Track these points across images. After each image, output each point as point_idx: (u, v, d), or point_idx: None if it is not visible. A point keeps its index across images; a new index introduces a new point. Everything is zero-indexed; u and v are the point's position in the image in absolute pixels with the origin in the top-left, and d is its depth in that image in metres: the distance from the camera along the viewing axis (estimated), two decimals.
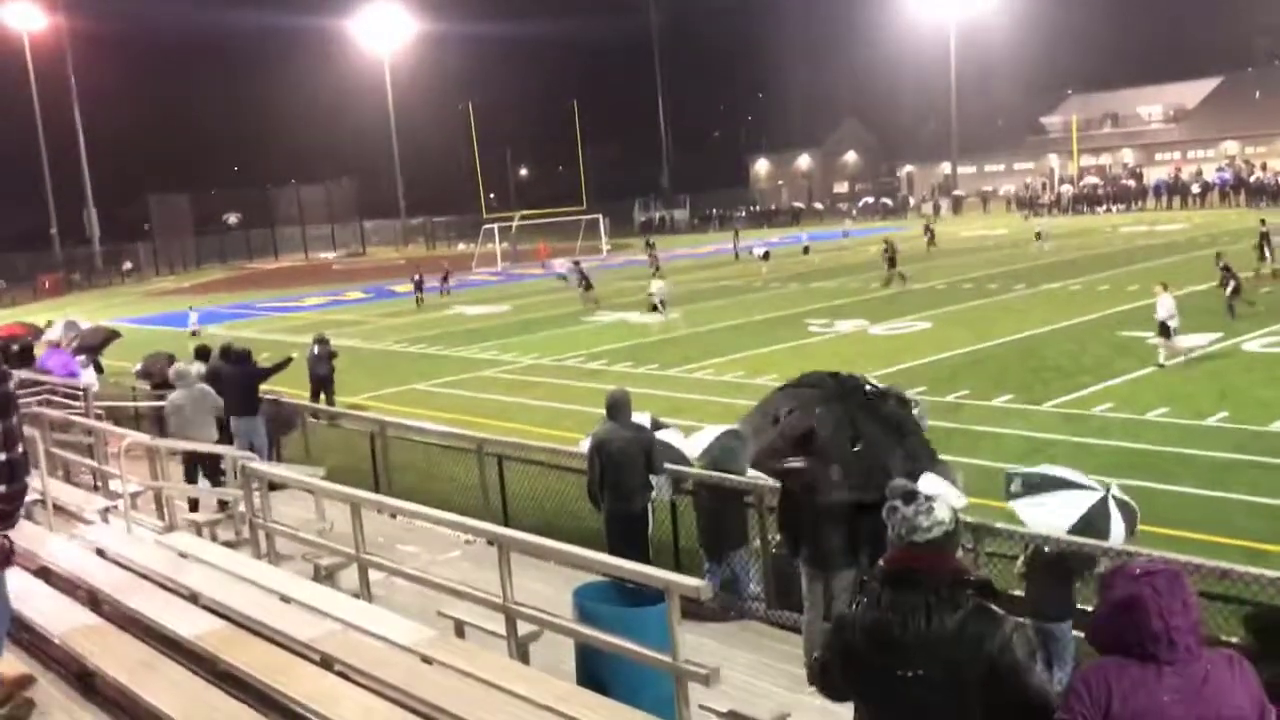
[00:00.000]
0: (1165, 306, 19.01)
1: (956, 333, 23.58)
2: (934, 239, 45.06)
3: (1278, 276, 27.92)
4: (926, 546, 3.39)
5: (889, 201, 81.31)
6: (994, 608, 3.37)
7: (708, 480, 8.84)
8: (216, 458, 11.39)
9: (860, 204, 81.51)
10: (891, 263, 32.98)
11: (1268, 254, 28.55)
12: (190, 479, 11.54)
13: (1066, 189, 68.76)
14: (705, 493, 8.91)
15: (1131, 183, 68.18)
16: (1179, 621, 3.03)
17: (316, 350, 18.92)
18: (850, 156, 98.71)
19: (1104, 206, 64.66)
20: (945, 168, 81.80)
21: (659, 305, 30.27)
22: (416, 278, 40.04)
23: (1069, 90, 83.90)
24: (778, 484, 7.50)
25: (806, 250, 47.31)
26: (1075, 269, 33.58)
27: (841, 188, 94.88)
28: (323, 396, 18.71)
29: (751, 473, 8.83)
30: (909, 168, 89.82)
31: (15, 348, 17.01)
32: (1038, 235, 43.28)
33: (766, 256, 41.60)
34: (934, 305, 28.18)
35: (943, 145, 79.82)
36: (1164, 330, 18.99)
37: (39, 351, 18.24)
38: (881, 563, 3.48)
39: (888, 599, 3.36)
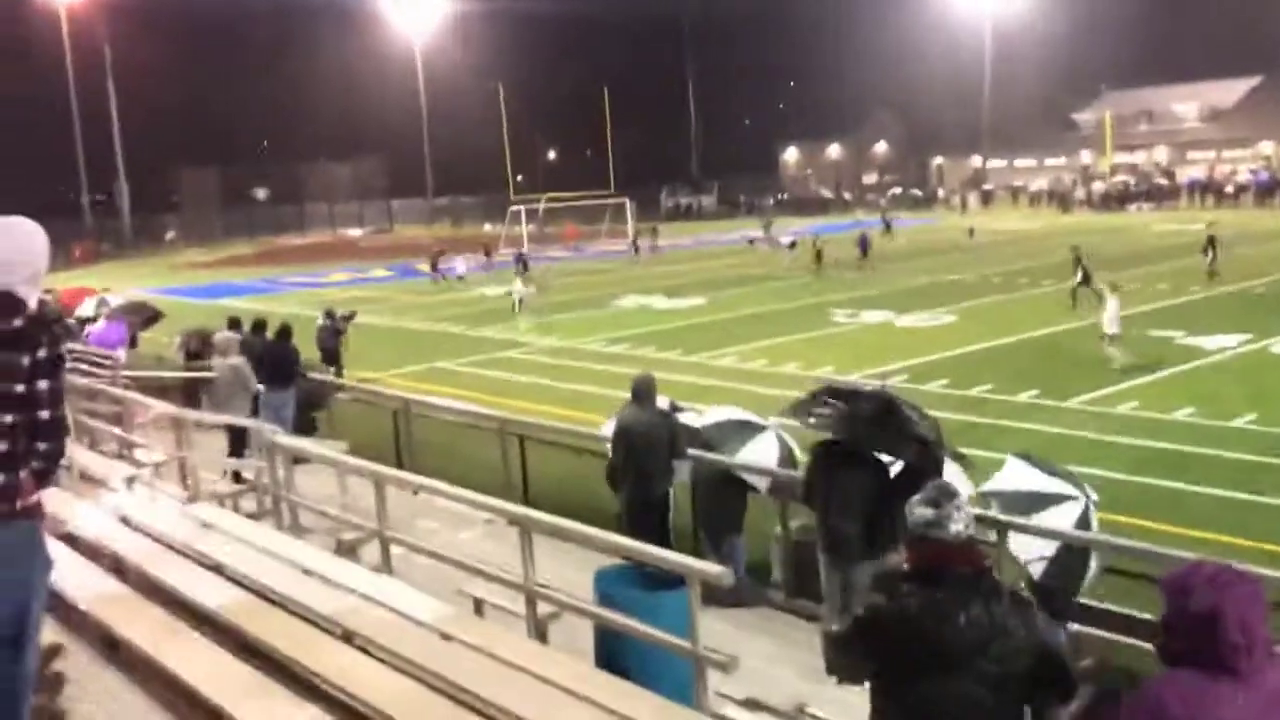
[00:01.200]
0: (1111, 311, 18.77)
1: (982, 327, 23.45)
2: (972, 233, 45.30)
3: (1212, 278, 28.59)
4: (958, 543, 3.38)
5: (918, 193, 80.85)
6: (1029, 597, 3.38)
7: (712, 465, 8.85)
8: (243, 430, 11.49)
9: (889, 195, 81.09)
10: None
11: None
12: (235, 453, 11.69)
13: (1098, 185, 68.17)
14: (705, 477, 8.92)
15: (1164, 181, 67.52)
16: (1258, 633, 2.88)
17: (324, 323, 19.04)
18: (880, 147, 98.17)
19: (1136, 204, 64.07)
20: (976, 161, 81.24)
21: (517, 305, 30.15)
22: (437, 251, 40.32)
23: (1103, 86, 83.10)
24: (796, 472, 7.52)
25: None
26: (1105, 266, 33.27)
27: (871, 178, 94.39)
28: (330, 370, 18.83)
29: (769, 460, 8.84)
30: (939, 160, 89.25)
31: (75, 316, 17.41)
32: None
33: (794, 246, 41.49)
34: (961, 299, 28.03)
35: (974, 138, 79.27)
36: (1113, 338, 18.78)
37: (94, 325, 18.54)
38: (906, 559, 3.47)
39: (924, 595, 3.35)
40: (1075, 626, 6.84)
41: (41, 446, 3.75)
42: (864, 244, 37.75)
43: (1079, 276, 25.50)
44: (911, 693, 3.39)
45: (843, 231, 46.63)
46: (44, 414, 3.73)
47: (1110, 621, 6.90)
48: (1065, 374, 18.23)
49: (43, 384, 3.71)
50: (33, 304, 3.82)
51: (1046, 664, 3.32)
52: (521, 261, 38.27)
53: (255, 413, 12.50)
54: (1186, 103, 77.12)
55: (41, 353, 3.70)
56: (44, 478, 3.84)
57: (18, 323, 3.69)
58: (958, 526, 3.39)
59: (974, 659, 3.27)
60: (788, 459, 8.94)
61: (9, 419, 3.67)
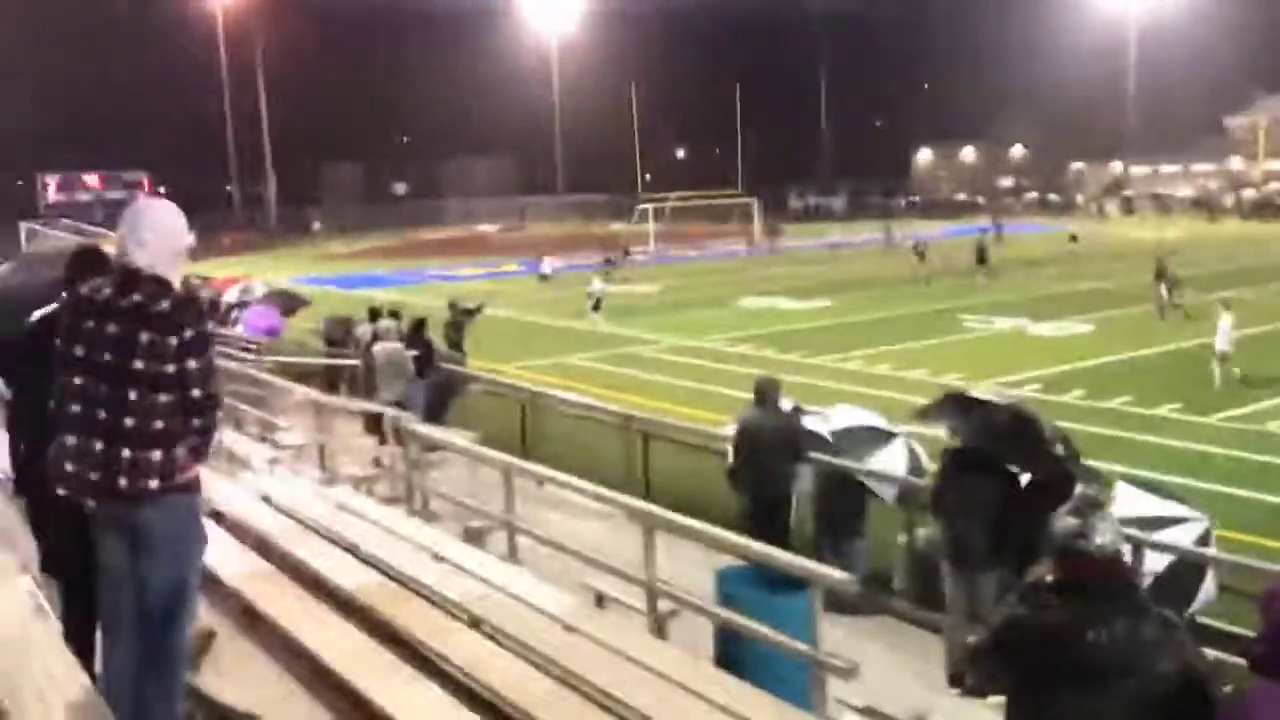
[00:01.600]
0: (1223, 331, 17.95)
1: (1121, 337, 22.66)
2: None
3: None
4: (1104, 557, 3.30)
5: (1055, 198, 78.48)
6: (1173, 616, 3.28)
7: (836, 469, 8.76)
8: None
9: (1025, 199, 78.89)
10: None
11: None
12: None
13: (1249, 193, 65.11)
14: (827, 481, 8.83)
15: None
16: None
17: (450, 316, 19.44)
18: (1017, 150, 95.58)
19: None
20: (1117, 166, 78.46)
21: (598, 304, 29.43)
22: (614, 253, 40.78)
23: (1257, 90, 79.27)
24: (922, 479, 7.42)
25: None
26: (1251, 277, 31.82)
27: (1006, 181, 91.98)
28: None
29: (897, 469, 8.74)
30: (1079, 164, 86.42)
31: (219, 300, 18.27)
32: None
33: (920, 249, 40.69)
34: (1099, 308, 27.13)
35: (1116, 142, 76.56)
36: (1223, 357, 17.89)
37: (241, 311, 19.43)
38: (1050, 571, 3.39)
39: (1067, 608, 3.28)
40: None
41: (195, 423, 3.85)
42: (981, 251, 35.98)
43: (1163, 290, 25.36)
44: (1048, 708, 3.32)
45: (964, 236, 45.48)
46: (196, 392, 3.82)
47: (1223, 642, 6.64)
48: (1207, 388, 17.50)
49: (192, 363, 3.79)
50: (176, 284, 3.93)
51: (1191, 690, 3.20)
52: (610, 262, 38.22)
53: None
54: None
55: (189, 332, 3.78)
56: (199, 454, 3.97)
57: (165, 304, 3.78)
58: (1104, 539, 3.30)
59: (1116, 677, 3.18)
60: (916, 468, 8.81)
61: (163, 398, 3.77)
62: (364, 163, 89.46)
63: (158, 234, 3.90)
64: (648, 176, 78.31)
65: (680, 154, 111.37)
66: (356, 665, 5.07)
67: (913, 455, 8.93)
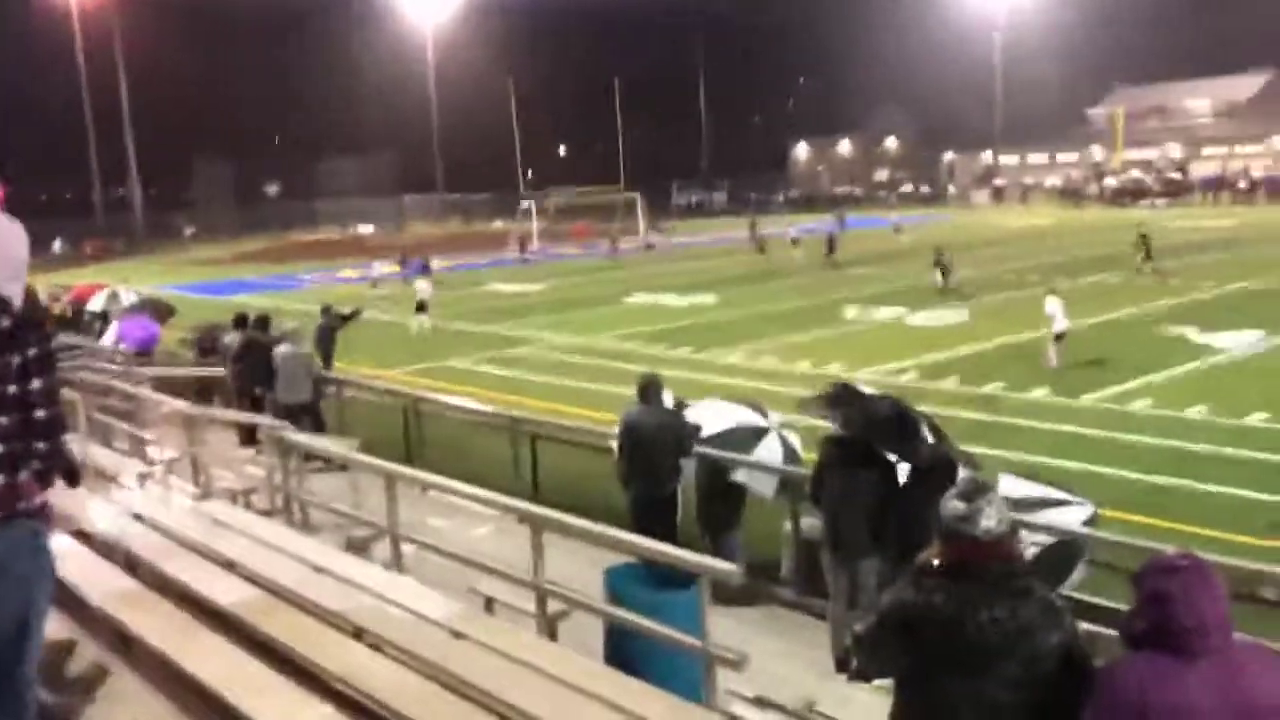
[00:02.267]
0: (1055, 312, 18.80)
1: (995, 323, 23.39)
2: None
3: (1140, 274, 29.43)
4: (990, 541, 3.35)
5: (927, 189, 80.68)
6: (1055, 597, 3.36)
7: (713, 462, 8.83)
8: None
9: (900, 191, 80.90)
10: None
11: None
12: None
13: (1110, 181, 67.95)
14: (705, 474, 8.91)
15: (1177, 177, 67.24)
16: (1209, 615, 3.04)
17: (321, 321, 19.03)
18: (891, 143, 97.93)
19: (1148, 200, 63.82)
20: (987, 156, 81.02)
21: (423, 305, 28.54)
22: (400, 258, 39.23)
23: (1116, 81, 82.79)
24: (804, 470, 7.53)
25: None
26: (1116, 263, 33.18)
27: (882, 174, 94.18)
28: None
29: (772, 457, 8.83)
30: (950, 155, 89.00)
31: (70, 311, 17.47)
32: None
33: (796, 243, 41.69)
34: (974, 295, 27.96)
35: (986, 134, 79.05)
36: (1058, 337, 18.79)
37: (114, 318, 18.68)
38: (936, 554, 3.44)
39: (954, 591, 3.33)
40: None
41: (40, 446, 3.69)
42: (831, 243, 38.49)
43: (939, 276, 28.79)
44: (935, 690, 3.37)
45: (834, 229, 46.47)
46: (40, 413, 3.67)
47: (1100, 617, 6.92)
48: (1078, 372, 18.18)
49: (36, 383, 3.65)
50: (18, 302, 3.75)
51: (1074, 670, 3.28)
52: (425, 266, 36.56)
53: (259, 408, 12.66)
54: (1199, 98, 76.82)
55: (32, 351, 3.64)
56: (44, 478, 3.78)
57: (5, 323, 3.63)
58: (989, 523, 3.35)
59: (999, 658, 3.25)
60: (792, 459, 8.92)
61: (4, 420, 3.62)
62: (235, 164, 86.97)
63: None
64: (530, 174, 77.96)
65: (562, 151, 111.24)
66: (236, 684, 4.92)
67: (787, 448, 9.03)
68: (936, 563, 3.44)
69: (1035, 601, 3.31)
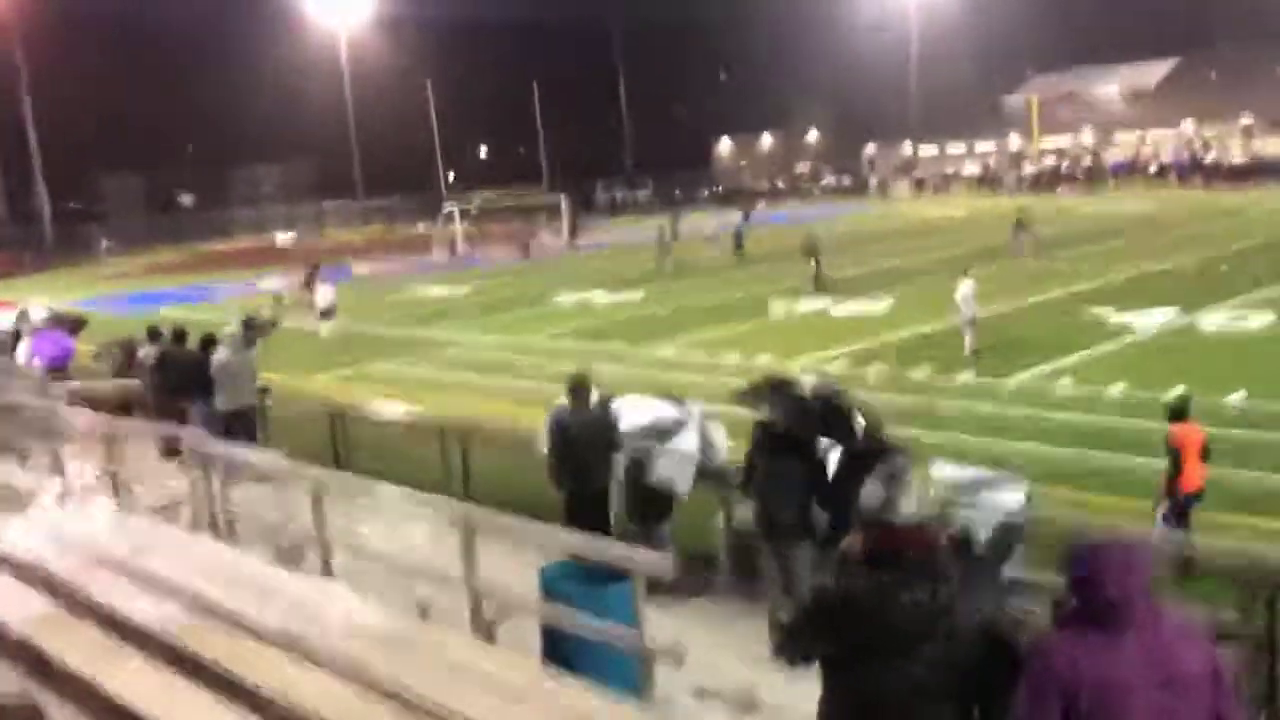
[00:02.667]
0: (965, 297, 19.12)
1: (919, 311, 23.72)
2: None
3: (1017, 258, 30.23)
4: (908, 527, 3.38)
5: (848, 180, 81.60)
6: (970, 578, 3.40)
7: (634, 457, 8.80)
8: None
9: (822, 184, 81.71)
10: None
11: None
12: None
13: (1028, 169, 69.26)
14: (634, 465, 8.87)
15: (1090, 162, 68.75)
16: (1133, 588, 3.14)
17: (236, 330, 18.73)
18: (813, 136, 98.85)
19: (1064, 187, 65.18)
20: (907, 147, 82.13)
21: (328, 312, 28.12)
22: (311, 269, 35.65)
23: (1029, 69, 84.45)
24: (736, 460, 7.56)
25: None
26: (1035, 248, 33.86)
27: (804, 167, 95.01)
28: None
29: (687, 451, 8.82)
30: (871, 148, 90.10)
31: None
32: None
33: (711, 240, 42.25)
34: (897, 284, 28.33)
35: (904, 125, 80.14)
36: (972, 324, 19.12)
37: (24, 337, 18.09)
38: (857, 541, 3.47)
39: (873, 577, 3.35)
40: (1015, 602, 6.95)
41: None
42: (738, 239, 38.83)
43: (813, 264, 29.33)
44: (859, 676, 3.40)
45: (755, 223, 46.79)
46: None
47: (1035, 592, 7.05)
48: (1002, 355, 18.51)
49: None
50: None
51: (995, 648, 3.33)
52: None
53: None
54: (1109, 84, 78.61)
55: None
56: None
57: None
58: (908, 509, 3.39)
59: (920, 642, 3.27)
60: (710, 451, 8.90)
61: None
62: (146, 174, 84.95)
63: None
64: (451, 176, 77.28)
65: (483, 153, 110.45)
66: (164, 705, 4.80)
67: (705, 440, 9.01)
68: (858, 549, 3.48)
69: (951, 584, 3.35)
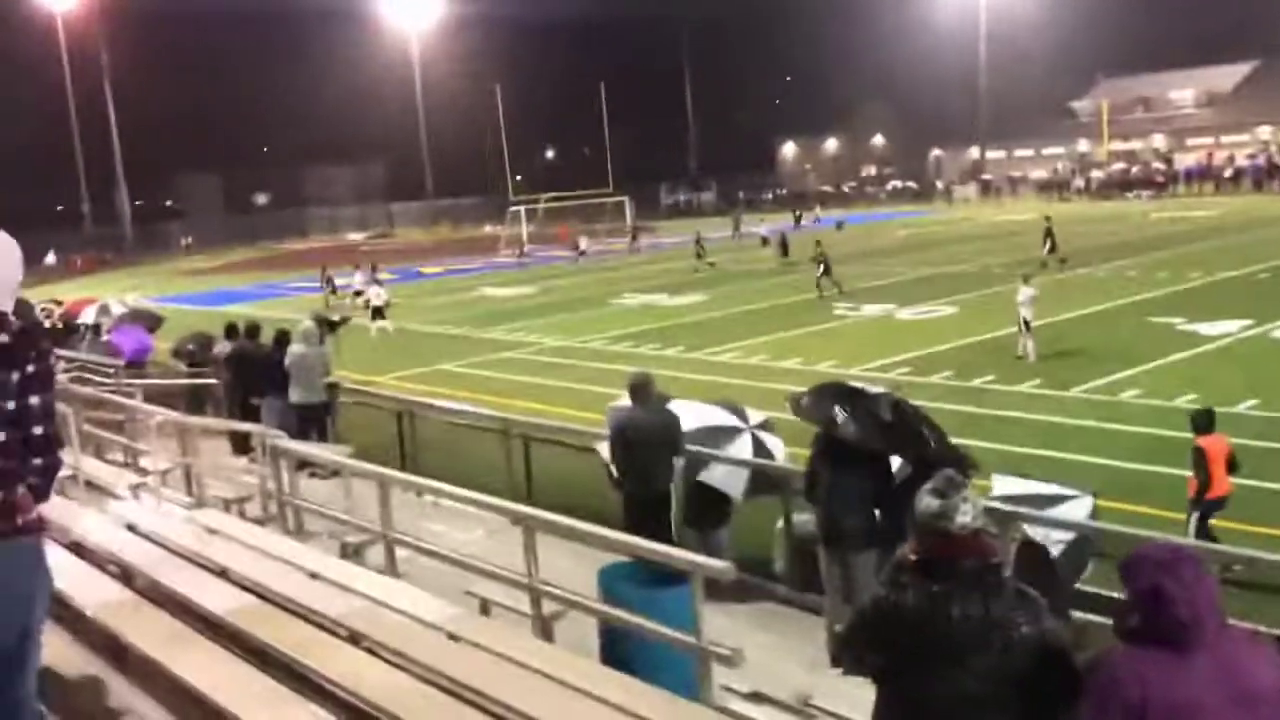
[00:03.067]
0: (1025, 303, 18.99)
1: (984, 318, 23.45)
2: None
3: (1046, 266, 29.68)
4: (964, 536, 3.35)
5: (913, 184, 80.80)
6: (1032, 591, 3.37)
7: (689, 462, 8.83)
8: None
9: (888, 187, 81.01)
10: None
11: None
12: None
13: (1096, 174, 68.07)
14: (690, 469, 8.90)
15: (1162, 167, 67.40)
16: (1202, 607, 3.04)
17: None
18: (878, 140, 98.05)
19: (1134, 192, 63.96)
20: (974, 151, 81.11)
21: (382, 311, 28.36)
22: (328, 274, 38.46)
23: (1099, 74, 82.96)
24: (797, 466, 7.55)
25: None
26: (1103, 254, 33.32)
27: (869, 171, 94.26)
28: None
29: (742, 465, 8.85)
30: (937, 151, 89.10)
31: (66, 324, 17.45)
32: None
33: (766, 242, 42.25)
34: (962, 290, 28.04)
35: (971, 129, 79.16)
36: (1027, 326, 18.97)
37: (106, 330, 18.65)
38: (912, 550, 3.45)
39: (924, 587, 3.33)
40: (1077, 615, 6.87)
41: (36, 462, 3.68)
42: (784, 244, 38.99)
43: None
44: (912, 687, 3.38)
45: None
46: (37, 430, 3.66)
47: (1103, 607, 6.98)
48: (1066, 363, 18.24)
49: (34, 399, 3.63)
50: (12, 318, 3.71)
51: (1049, 661, 3.29)
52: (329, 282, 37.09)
53: (251, 417, 12.62)
54: (1183, 89, 77.00)
55: (30, 367, 3.62)
56: (41, 494, 3.78)
57: (4, 339, 3.62)
58: (964, 519, 3.35)
59: (972, 654, 3.26)
60: (765, 459, 8.93)
61: (2, 436, 3.61)
62: (223, 174, 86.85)
63: None
64: (518, 178, 77.87)
65: (549, 155, 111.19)
66: (231, 691, 4.92)
67: (760, 448, 9.01)
68: (912, 558, 3.46)
69: (1007, 595, 3.32)
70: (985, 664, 3.25)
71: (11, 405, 3.61)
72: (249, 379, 13.57)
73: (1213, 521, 9.66)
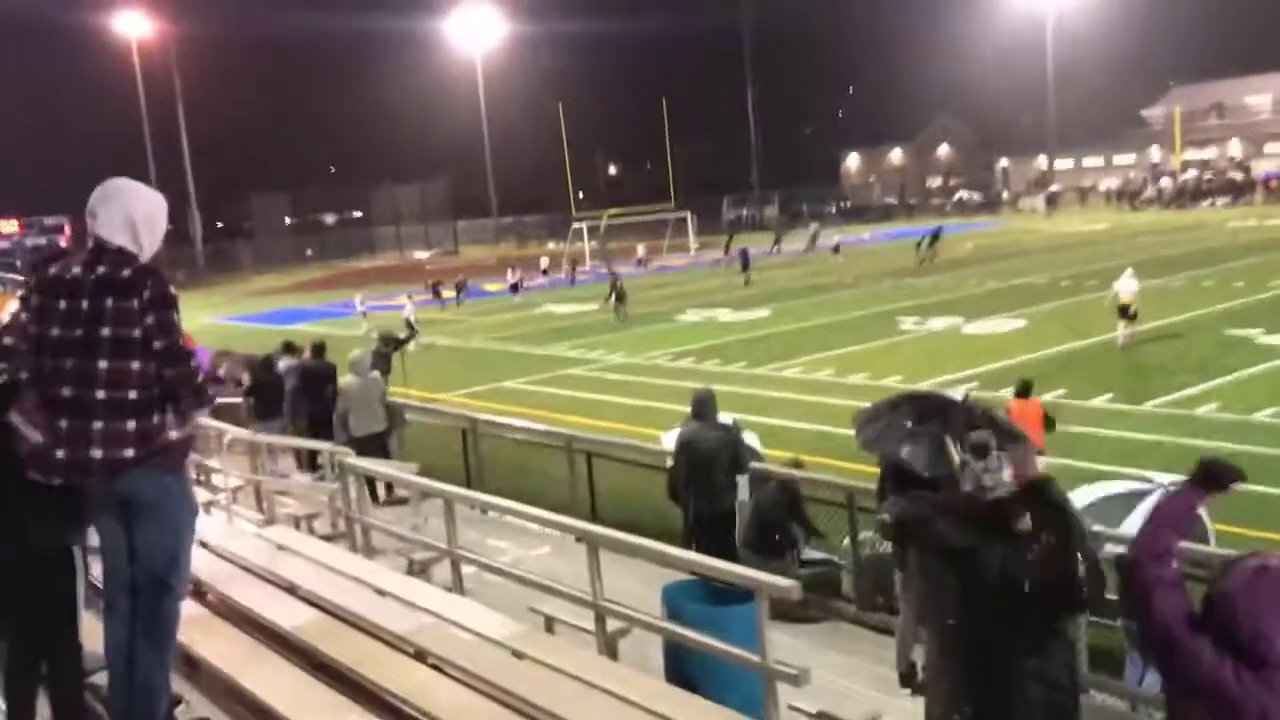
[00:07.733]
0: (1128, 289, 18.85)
1: (1054, 330, 23.06)
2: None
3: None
4: (985, 498, 3.81)
5: (979, 196, 79.88)
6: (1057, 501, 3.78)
7: (777, 478, 8.78)
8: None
9: (955, 199, 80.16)
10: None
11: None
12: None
13: (1166, 182, 66.71)
14: (765, 492, 8.84)
15: (1239, 175, 65.86)
16: (1265, 626, 2.94)
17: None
18: (944, 150, 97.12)
19: (1209, 200, 62.55)
20: (1042, 161, 79.98)
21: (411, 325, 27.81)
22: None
23: (1171, 81, 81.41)
24: (865, 484, 7.42)
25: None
26: (1178, 265, 32.60)
27: (935, 182, 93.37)
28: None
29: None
30: (1004, 161, 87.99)
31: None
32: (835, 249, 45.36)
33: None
34: (1031, 302, 27.60)
35: (1039, 138, 78.08)
36: (1125, 313, 18.80)
37: None
38: (944, 495, 3.82)
39: (969, 534, 3.72)
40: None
41: (168, 373, 3.91)
42: (745, 259, 39.42)
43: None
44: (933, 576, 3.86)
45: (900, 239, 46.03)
46: (158, 343, 3.90)
47: None
48: (1141, 376, 17.85)
49: (151, 318, 3.89)
50: (142, 253, 4.07)
51: (1066, 553, 3.71)
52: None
53: (320, 433, 12.70)
54: (1260, 94, 75.24)
55: (147, 292, 3.89)
56: (184, 415, 4.03)
57: (126, 272, 3.92)
58: (997, 486, 3.79)
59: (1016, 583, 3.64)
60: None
61: (135, 365, 3.86)
62: (291, 193, 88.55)
63: (114, 207, 4.11)
64: (581, 195, 78.33)
65: (612, 170, 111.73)
66: (299, 705, 4.97)
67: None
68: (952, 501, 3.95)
69: (1043, 543, 3.71)
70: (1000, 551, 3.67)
71: (138, 332, 3.87)
72: (316, 398, 13.65)
73: None
